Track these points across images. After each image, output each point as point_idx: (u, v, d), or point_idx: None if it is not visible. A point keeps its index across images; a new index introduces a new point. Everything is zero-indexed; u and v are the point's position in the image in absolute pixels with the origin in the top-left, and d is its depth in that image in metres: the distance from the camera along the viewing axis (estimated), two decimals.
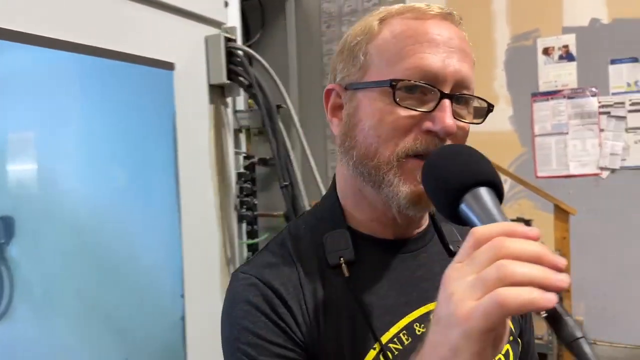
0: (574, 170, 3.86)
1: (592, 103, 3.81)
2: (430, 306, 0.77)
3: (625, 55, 3.35)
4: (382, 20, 0.76)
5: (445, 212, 0.64)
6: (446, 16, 0.75)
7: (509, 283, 0.48)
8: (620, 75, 3.42)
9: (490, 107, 0.76)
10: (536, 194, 3.25)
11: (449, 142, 0.71)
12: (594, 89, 3.82)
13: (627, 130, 3.40)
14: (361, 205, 0.79)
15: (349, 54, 0.77)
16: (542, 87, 4.01)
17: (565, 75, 3.98)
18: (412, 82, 0.70)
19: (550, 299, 0.47)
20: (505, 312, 0.48)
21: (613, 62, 3.60)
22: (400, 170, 0.72)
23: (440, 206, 0.65)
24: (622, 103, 3.44)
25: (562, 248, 3.53)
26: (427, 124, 0.71)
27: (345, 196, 0.81)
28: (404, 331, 0.74)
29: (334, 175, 0.85)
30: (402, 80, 0.70)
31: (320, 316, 0.73)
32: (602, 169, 3.68)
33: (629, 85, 3.38)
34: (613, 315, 4.49)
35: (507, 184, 3.85)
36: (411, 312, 0.76)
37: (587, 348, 0.48)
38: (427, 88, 0.70)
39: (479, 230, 0.54)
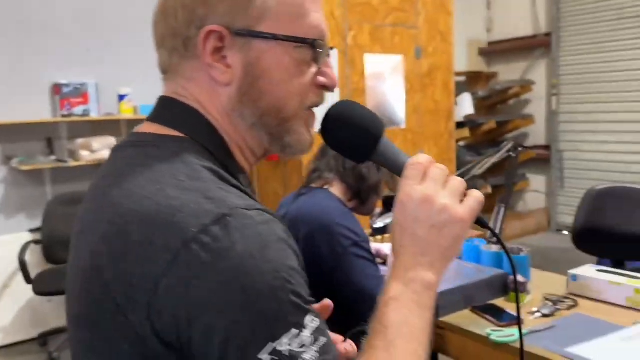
0: None
1: None
2: None
3: None
4: None
5: (357, 155, 0.76)
6: None
7: (465, 189, 0.71)
8: None
9: None
10: None
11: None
12: None
13: None
14: (241, 146, 0.76)
15: None
16: None
17: None
18: (324, 42, 0.74)
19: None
20: (481, 206, 0.71)
21: None
22: (304, 120, 0.75)
23: (354, 150, 0.76)
24: None
25: None
26: (322, 79, 0.75)
27: (225, 134, 0.74)
28: None
29: (184, 106, 0.73)
30: (319, 40, 0.73)
31: None
32: None
33: None
34: None
35: None
36: None
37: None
38: (323, 45, 0.74)
39: (420, 160, 0.71)
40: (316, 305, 0.88)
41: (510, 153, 2.04)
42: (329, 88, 0.76)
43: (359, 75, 3.91)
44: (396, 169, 0.73)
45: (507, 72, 6.30)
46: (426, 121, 4.37)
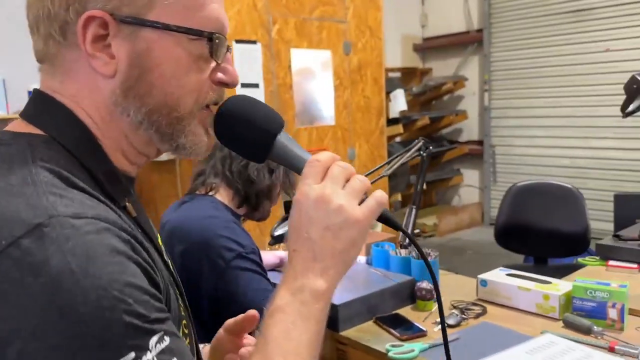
0: None
1: None
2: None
3: None
4: None
5: (253, 153, 0.70)
6: None
7: (367, 189, 0.67)
8: None
9: None
10: None
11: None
12: None
13: None
14: (122, 146, 0.67)
15: None
16: None
17: None
18: (223, 36, 0.68)
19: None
20: (382, 207, 0.67)
21: None
22: (200, 120, 0.68)
23: (250, 148, 0.70)
24: None
25: None
26: (220, 76, 0.69)
27: (103, 135, 0.65)
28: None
29: (53, 101, 0.65)
30: (217, 33, 0.66)
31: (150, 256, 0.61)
32: None
33: None
34: None
35: None
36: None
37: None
38: (222, 39, 0.67)
39: (320, 158, 0.67)
40: (240, 316, 0.86)
41: (421, 152, 1.91)
42: (228, 85, 0.70)
43: (285, 70, 3.74)
44: (297, 168, 0.69)
45: (442, 68, 6.26)
46: (357, 118, 4.24)
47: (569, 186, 2.71)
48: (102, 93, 0.64)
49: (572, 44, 5.17)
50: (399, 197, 5.48)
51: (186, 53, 0.64)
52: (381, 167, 1.82)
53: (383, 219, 0.68)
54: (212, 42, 0.66)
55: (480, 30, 5.85)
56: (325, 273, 0.64)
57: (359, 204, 0.66)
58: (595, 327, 1.42)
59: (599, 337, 1.40)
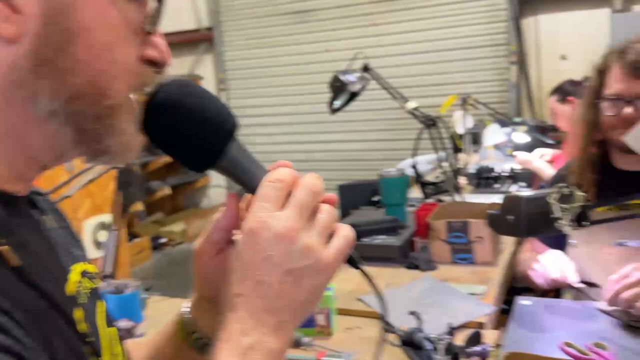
0: None
1: None
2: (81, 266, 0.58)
3: None
4: None
5: (201, 159, 0.54)
6: None
7: (335, 220, 0.53)
8: None
9: None
10: None
11: None
12: None
13: None
14: (9, 151, 0.47)
15: None
16: None
17: None
18: None
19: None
20: (350, 246, 0.53)
21: None
22: (131, 113, 0.50)
23: (196, 152, 0.54)
24: None
25: None
26: (150, 52, 0.51)
27: None
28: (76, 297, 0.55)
29: None
30: None
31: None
32: None
33: None
34: None
35: None
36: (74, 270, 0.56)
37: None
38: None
39: (282, 177, 0.52)
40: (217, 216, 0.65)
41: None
42: (157, 65, 0.52)
43: None
44: (248, 183, 0.56)
45: (177, 66, 6.02)
46: None
47: None
48: None
49: (297, 44, 5.40)
50: (140, 206, 5.11)
51: (122, 17, 0.48)
52: (62, 185, 1.52)
53: (347, 260, 0.56)
54: (160, 3, 0.51)
55: (210, 29, 5.76)
56: (282, 329, 0.50)
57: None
58: (304, 337, 1.35)
59: (308, 349, 1.33)
